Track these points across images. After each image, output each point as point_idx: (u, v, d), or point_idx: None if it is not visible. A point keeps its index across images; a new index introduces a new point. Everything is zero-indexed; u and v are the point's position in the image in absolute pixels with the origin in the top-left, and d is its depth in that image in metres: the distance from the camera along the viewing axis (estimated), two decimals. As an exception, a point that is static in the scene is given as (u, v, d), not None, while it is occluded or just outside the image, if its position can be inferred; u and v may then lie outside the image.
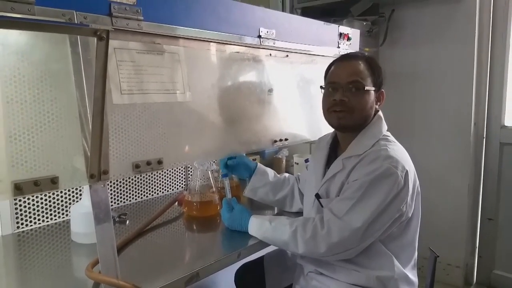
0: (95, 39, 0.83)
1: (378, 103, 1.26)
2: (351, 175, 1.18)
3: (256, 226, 1.25)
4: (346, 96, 1.20)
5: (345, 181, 1.20)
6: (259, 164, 1.55)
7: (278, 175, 1.55)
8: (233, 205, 1.36)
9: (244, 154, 1.53)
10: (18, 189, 0.81)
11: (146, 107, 1.05)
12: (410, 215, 1.19)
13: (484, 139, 2.43)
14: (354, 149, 1.22)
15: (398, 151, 1.19)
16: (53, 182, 0.85)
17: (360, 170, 1.15)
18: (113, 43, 0.96)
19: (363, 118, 1.23)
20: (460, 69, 2.37)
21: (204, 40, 1.19)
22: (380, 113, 1.29)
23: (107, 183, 0.95)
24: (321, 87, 1.29)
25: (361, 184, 1.12)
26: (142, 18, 1.01)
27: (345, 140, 1.27)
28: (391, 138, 1.25)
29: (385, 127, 1.26)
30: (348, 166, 1.20)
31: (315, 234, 1.13)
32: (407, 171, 1.13)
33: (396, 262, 1.18)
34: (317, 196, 1.26)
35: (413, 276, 1.23)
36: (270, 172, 1.53)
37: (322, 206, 1.24)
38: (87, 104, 0.90)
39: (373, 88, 1.22)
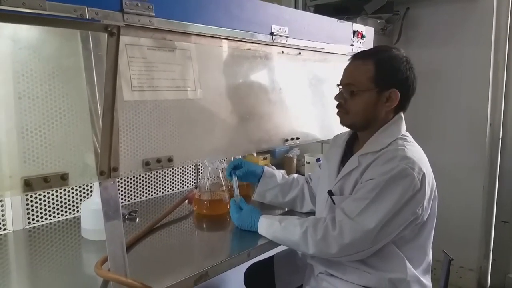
0: (106, 35, 0.82)
1: (388, 103, 1.19)
2: (365, 173, 1.16)
3: (266, 226, 1.24)
4: (342, 98, 1.22)
5: (359, 179, 1.17)
6: (266, 167, 1.53)
7: (287, 177, 1.53)
8: (242, 205, 1.34)
9: (255, 154, 1.52)
10: (28, 185, 0.80)
11: (156, 104, 1.05)
12: (425, 218, 1.16)
13: (500, 140, 2.38)
14: (371, 146, 1.20)
15: (416, 152, 1.16)
16: (63, 178, 0.85)
17: (376, 169, 1.13)
18: (124, 39, 0.96)
19: (363, 119, 1.21)
20: (476, 69, 2.32)
21: (215, 37, 1.18)
22: (402, 113, 1.25)
23: (117, 180, 0.95)
24: (337, 85, 1.28)
25: (376, 184, 1.09)
26: (153, 14, 1.00)
27: (363, 138, 1.25)
28: (410, 138, 1.22)
29: (404, 127, 1.23)
30: (363, 163, 1.18)
31: (326, 235, 1.11)
32: (424, 173, 1.10)
33: (408, 265, 1.16)
34: (330, 193, 1.23)
35: (425, 279, 1.21)
36: (278, 174, 1.52)
37: (334, 203, 1.22)
38: (98, 101, 0.89)
39: (376, 89, 1.17)
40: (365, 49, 1.43)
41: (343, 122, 1.26)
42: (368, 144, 1.21)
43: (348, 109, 1.21)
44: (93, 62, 0.88)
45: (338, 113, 1.26)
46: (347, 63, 1.26)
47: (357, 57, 1.24)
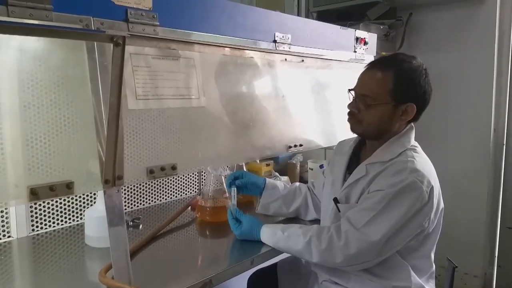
0: (112, 45, 0.83)
1: (403, 117, 1.18)
2: (373, 183, 1.15)
3: (268, 236, 1.23)
4: (356, 107, 1.19)
5: (365, 188, 1.17)
6: (267, 179, 1.53)
7: (288, 186, 1.53)
8: (240, 218, 1.31)
9: (258, 160, 1.52)
10: (34, 194, 0.81)
11: (161, 112, 1.05)
12: (431, 230, 1.16)
13: (504, 146, 2.37)
14: (380, 155, 1.19)
15: (425, 164, 1.15)
16: (68, 187, 0.86)
17: (384, 181, 1.12)
18: (129, 48, 0.96)
19: (375, 130, 1.20)
20: (479, 74, 2.32)
21: (219, 46, 1.19)
22: (412, 124, 1.24)
23: (121, 187, 0.95)
24: (349, 90, 1.25)
25: (384, 196, 1.08)
26: (158, 23, 1.01)
27: (372, 146, 1.24)
28: (419, 149, 1.21)
29: (413, 137, 1.23)
30: (371, 172, 1.17)
31: (331, 245, 1.10)
32: (432, 186, 1.10)
33: (412, 273, 1.16)
34: (335, 201, 1.23)
35: (429, 286, 1.21)
36: (280, 185, 1.51)
37: (339, 211, 1.22)
38: (103, 109, 0.90)
39: (392, 103, 1.15)
40: (384, 57, 1.38)
41: (354, 130, 1.24)
42: (377, 153, 1.20)
43: (362, 119, 1.19)
44: (99, 71, 0.89)
45: (349, 121, 1.23)
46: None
47: (376, 66, 1.19)
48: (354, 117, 1.21)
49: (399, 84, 1.15)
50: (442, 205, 1.19)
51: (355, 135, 1.31)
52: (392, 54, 1.26)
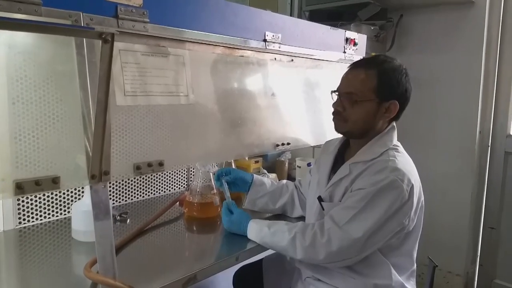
0: (100, 41, 0.83)
1: (387, 114, 1.21)
2: (355, 182, 1.17)
3: (255, 231, 1.25)
4: (341, 106, 1.22)
5: (349, 187, 1.19)
6: (255, 175, 1.54)
7: (276, 183, 1.54)
8: (233, 209, 1.35)
9: (246, 158, 1.53)
10: (20, 188, 0.81)
11: (149, 109, 1.06)
12: (411, 228, 1.19)
13: (489, 148, 2.41)
14: (363, 155, 1.21)
15: (406, 163, 1.18)
16: (55, 182, 0.86)
17: (366, 179, 1.14)
18: (118, 45, 0.97)
19: (360, 128, 1.22)
20: (467, 77, 2.35)
21: (209, 44, 1.19)
22: (394, 124, 1.27)
23: (108, 182, 0.96)
24: (333, 91, 1.28)
25: (365, 194, 1.11)
26: (148, 20, 1.02)
27: (356, 146, 1.27)
28: (400, 148, 1.24)
29: (396, 137, 1.25)
30: (354, 171, 1.20)
31: (314, 242, 1.13)
32: (412, 185, 1.13)
33: (393, 271, 1.18)
34: (320, 199, 1.26)
35: (410, 285, 1.23)
36: (268, 181, 1.53)
37: (323, 209, 1.24)
38: (91, 105, 0.90)
39: (376, 100, 1.19)
40: (366, 58, 1.42)
41: (339, 129, 1.26)
42: (360, 153, 1.23)
43: (347, 117, 1.21)
44: (87, 67, 0.89)
45: (334, 120, 1.26)
46: (339, 69, 1.27)
47: (359, 66, 1.23)
48: (340, 116, 1.23)
49: (382, 82, 1.19)
50: (422, 201, 1.22)
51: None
52: (373, 56, 1.30)
